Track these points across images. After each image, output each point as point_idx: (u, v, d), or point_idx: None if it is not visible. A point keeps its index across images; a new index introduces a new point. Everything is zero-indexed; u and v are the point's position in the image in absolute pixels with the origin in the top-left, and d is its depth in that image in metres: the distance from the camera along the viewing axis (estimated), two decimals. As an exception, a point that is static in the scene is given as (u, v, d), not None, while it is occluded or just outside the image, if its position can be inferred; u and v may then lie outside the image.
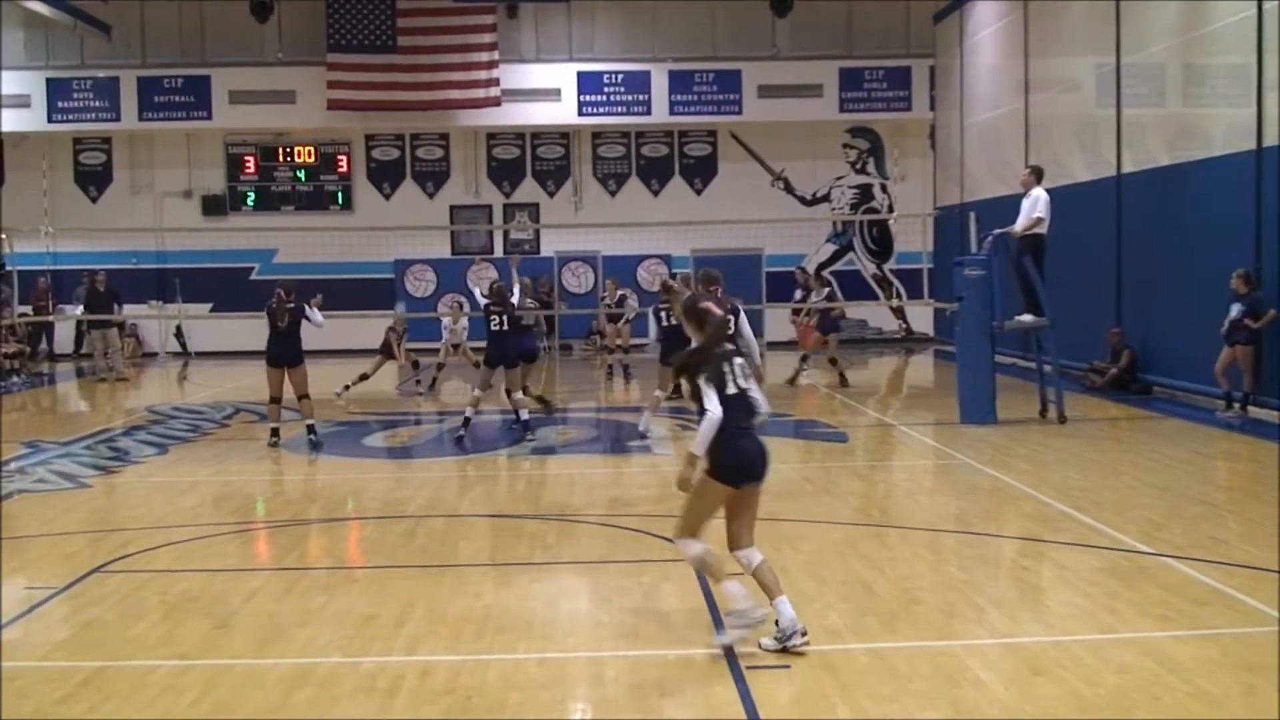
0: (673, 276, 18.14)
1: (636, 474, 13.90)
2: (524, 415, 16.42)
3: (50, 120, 31.15)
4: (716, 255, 29.60)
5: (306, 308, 16.07)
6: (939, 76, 29.79)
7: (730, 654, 7.18)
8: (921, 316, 31.81)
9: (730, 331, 12.06)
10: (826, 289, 24.02)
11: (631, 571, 9.27)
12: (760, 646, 7.22)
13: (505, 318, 16.42)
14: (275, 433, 15.97)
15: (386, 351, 22.33)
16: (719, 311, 7.87)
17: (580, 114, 31.32)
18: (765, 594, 7.34)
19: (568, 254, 32.35)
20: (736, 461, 7.38)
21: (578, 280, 32.53)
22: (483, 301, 16.79)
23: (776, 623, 7.23)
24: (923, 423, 17.56)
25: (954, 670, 6.90)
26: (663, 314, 16.35)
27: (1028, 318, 16.98)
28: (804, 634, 7.20)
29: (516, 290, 16.98)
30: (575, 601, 8.72)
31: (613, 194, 32.71)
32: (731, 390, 7.37)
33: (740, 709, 6.38)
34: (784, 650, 7.16)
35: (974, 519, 11.08)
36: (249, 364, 27.27)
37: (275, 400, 16.02)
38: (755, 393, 7.57)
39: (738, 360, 7.54)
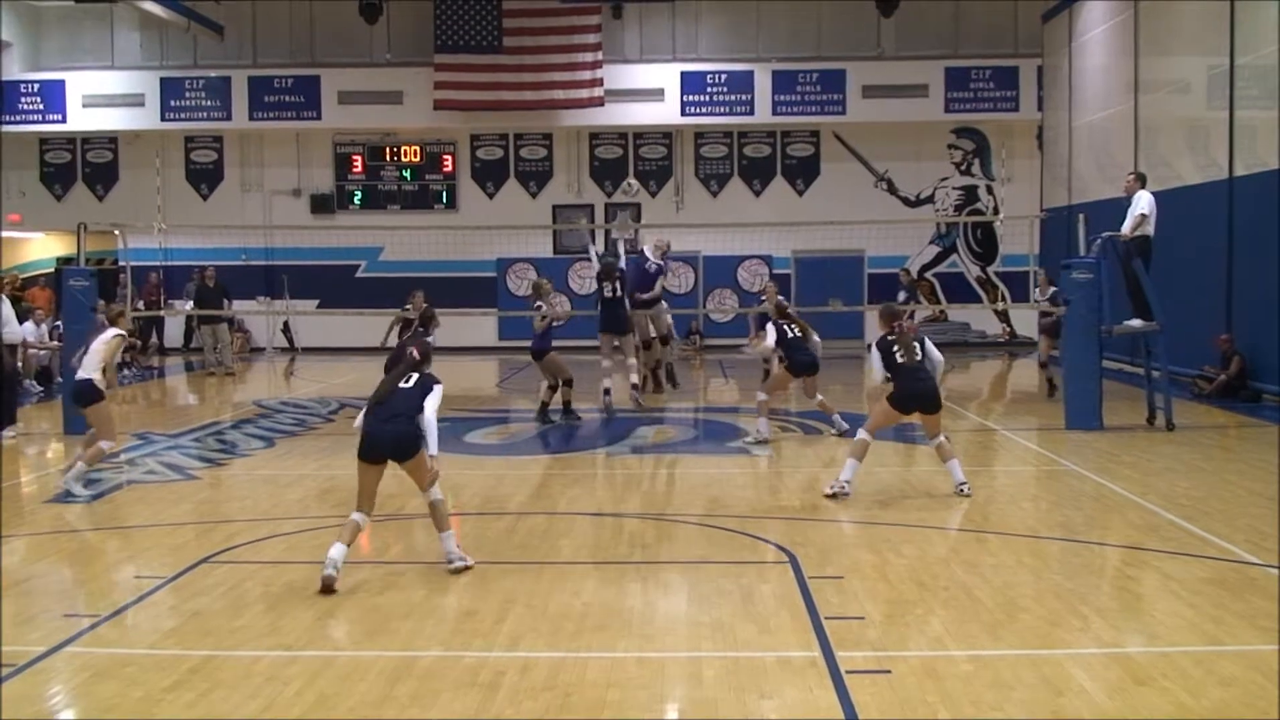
0: (773, 278, 18.17)
1: (735, 474, 13.87)
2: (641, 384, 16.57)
3: (164, 119, 31.84)
4: (818, 256, 29.52)
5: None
6: (1047, 76, 29.37)
7: (830, 658, 7.16)
8: (1026, 320, 31.35)
9: (919, 358, 11.97)
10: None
11: (730, 572, 9.27)
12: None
13: (618, 284, 16.60)
14: None
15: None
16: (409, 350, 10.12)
17: (683, 114, 31.34)
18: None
19: (669, 254, 32.31)
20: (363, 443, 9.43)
21: (678, 280, 32.49)
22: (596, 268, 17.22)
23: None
24: (1027, 428, 17.35)
25: (1058, 679, 6.82)
26: None
27: (1137, 322, 16.71)
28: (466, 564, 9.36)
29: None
30: (674, 601, 8.73)
31: (714, 194, 32.69)
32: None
33: (840, 713, 6.35)
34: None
35: (1078, 526, 10.92)
36: (354, 360, 27.68)
37: None
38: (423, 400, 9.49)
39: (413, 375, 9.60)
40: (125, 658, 7.40)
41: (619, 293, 16.72)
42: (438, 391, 9.54)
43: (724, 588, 8.80)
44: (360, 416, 9.60)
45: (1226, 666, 6.99)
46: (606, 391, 16.27)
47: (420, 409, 9.37)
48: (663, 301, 20.92)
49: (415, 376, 9.60)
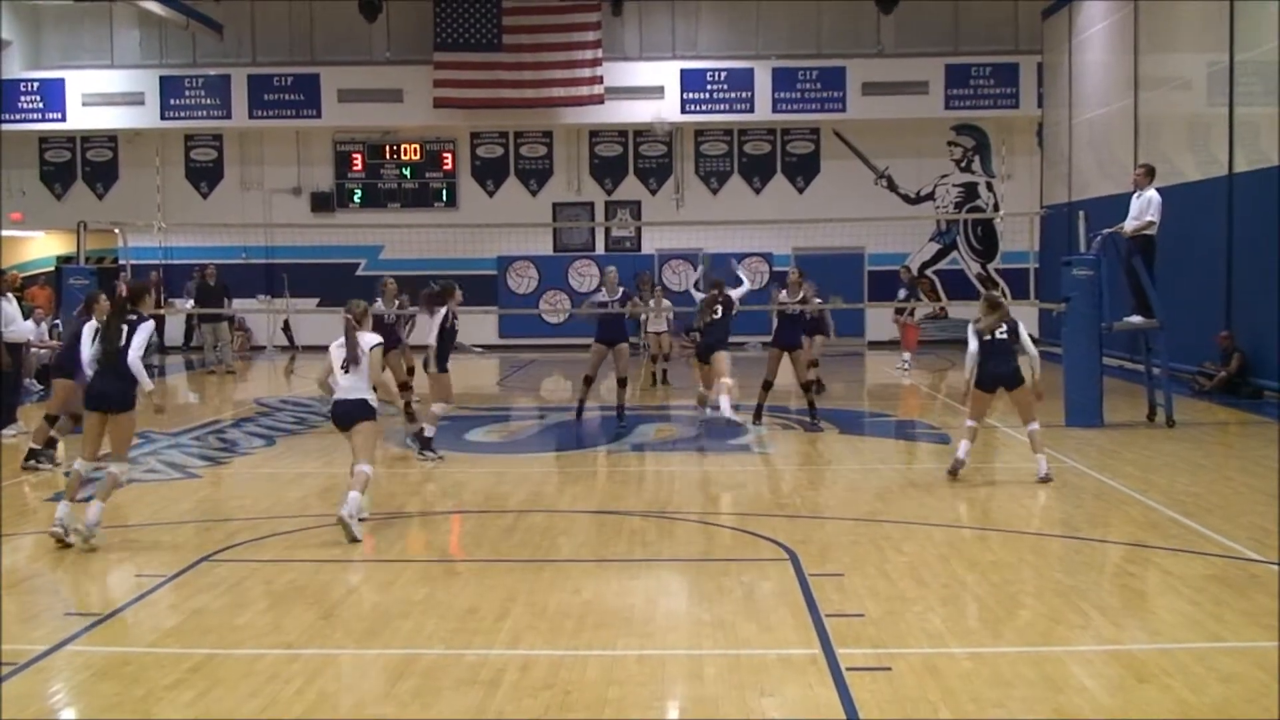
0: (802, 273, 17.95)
1: (736, 472, 13.87)
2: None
3: (163, 117, 31.87)
4: (818, 253, 29.48)
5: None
6: (1047, 73, 29.37)
7: (830, 655, 7.16)
8: (1027, 317, 31.26)
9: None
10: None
11: (731, 570, 9.27)
12: None
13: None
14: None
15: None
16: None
17: (683, 111, 31.34)
18: None
19: (669, 251, 32.36)
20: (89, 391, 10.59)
21: (678, 278, 32.50)
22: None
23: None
24: (1027, 424, 17.31)
25: (1058, 676, 6.81)
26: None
27: (1137, 319, 16.71)
28: None
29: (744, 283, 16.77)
30: (674, 599, 8.73)
31: (714, 192, 32.70)
32: (102, 345, 10.40)
33: (840, 710, 6.35)
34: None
35: (1079, 523, 10.93)
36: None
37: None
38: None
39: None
40: (126, 656, 7.39)
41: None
42: (142, 331, 10.47)
43: (724, 585, 8.79)
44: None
45: (1228, 663, 6.98)
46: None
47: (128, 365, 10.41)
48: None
49: (125, 329, 10.40)
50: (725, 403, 15.53)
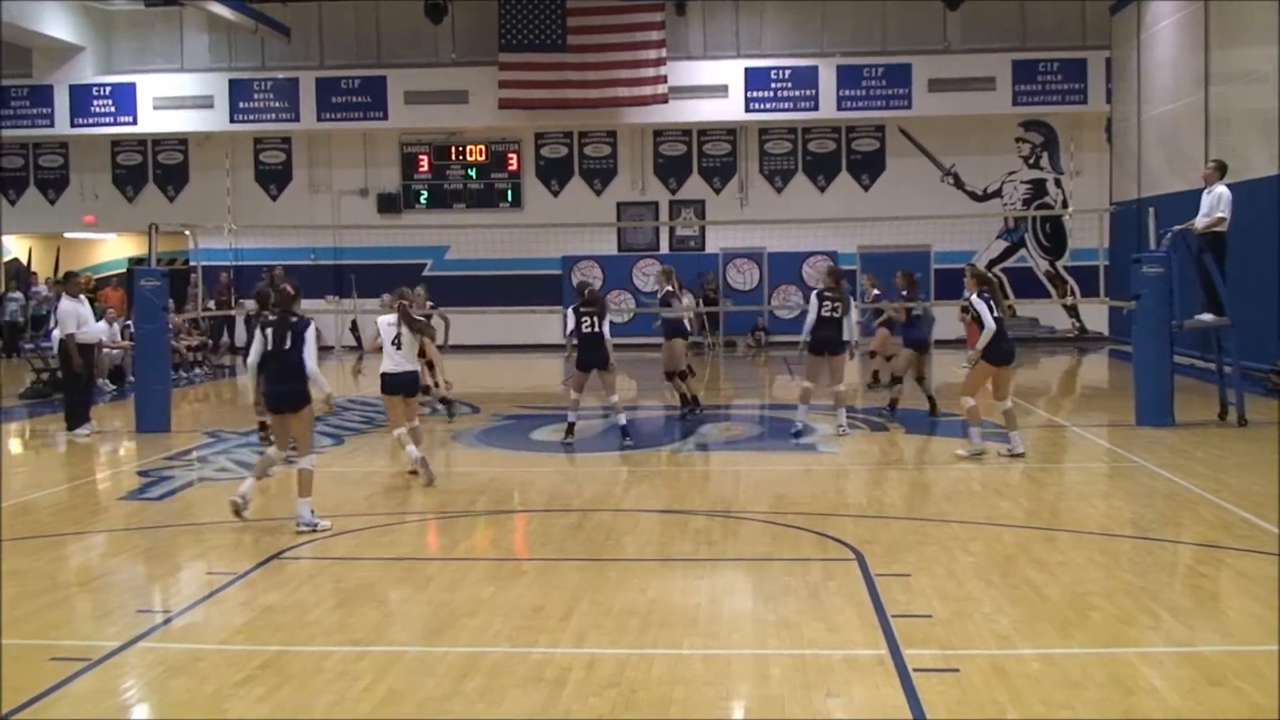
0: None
1: (801, 471, 13.83)
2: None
3: (232, 120, 32.24)
4: (884, 252, 29.35)
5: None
6: (1115, 69, 29.05)
7: (897, 656, 7.12)
8: (1096, 315, 31.08)
9: None
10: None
11: (795, 570, 9.24)
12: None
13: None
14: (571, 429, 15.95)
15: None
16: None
17: (747, 110, 31.29)
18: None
19: (733, 250, 32.36)
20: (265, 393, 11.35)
21: (743, 277, 32.50)
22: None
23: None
24: (1096, 424, 17.17)
25: (1128, 678, 6.74)
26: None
27: (1208, 317, 16.50)
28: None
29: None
30: (739, 598, 8.71)
31: (779, 190, 32.62)
32: (270, 347, 10.94)
33: (908, 711, 6.32)
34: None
35: (1150, 523, 10.79)
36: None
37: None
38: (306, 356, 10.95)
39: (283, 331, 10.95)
40: (197, 653, 7.49)
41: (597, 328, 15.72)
42: (309, 335, 10.96)
43: (790, 585, 8.77)
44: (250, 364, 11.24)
45: (1302, 666, 6.89)
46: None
47: (303, 365, 10.89)
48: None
49: (289, 334, 10.90)
50: (802, 411, 16.35)
